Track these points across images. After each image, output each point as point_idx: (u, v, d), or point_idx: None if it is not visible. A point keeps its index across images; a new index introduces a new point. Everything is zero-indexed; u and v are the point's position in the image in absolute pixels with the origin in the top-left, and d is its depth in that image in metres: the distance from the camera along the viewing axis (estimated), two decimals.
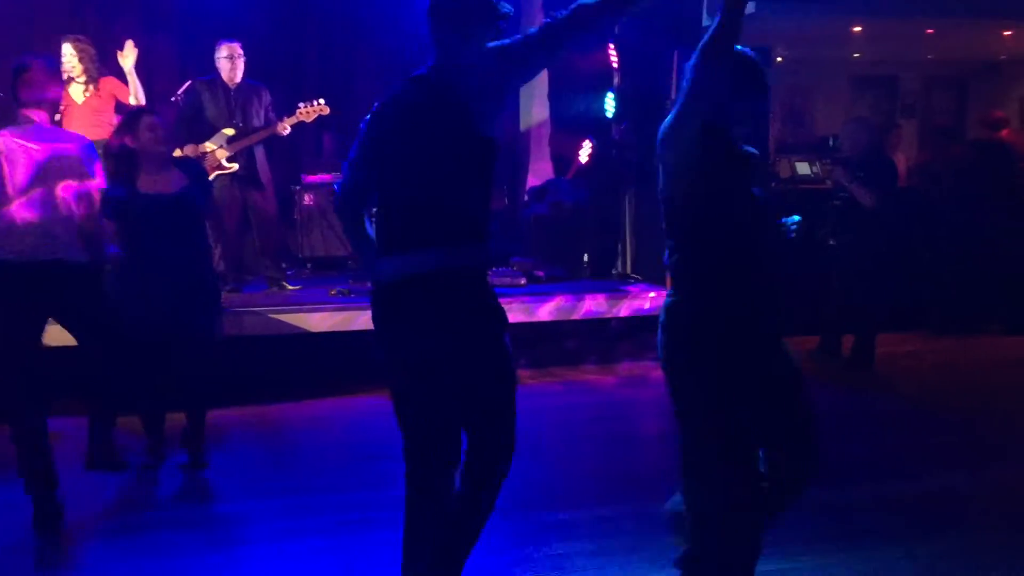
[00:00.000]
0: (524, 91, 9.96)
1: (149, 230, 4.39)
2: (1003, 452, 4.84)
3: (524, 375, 6.62)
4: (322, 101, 6.90)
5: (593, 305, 7.00)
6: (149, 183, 4.45)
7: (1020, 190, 7.88)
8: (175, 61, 8.59)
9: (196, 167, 4.93)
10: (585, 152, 8.76)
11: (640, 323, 7.08)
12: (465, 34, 2.72)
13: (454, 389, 2.74)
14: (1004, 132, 8.23)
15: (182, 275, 4.47)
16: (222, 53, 6.80)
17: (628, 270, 8.41)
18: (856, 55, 9.90)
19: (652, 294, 7.17)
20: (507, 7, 2.80)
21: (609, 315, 7.04)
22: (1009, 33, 8.93)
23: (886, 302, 6.81)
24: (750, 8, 7.18)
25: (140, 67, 6.56)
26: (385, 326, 2.76)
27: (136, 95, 6.47)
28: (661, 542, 3.63)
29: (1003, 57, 10.60)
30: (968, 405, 5.82)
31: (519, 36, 2.72)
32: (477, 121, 2.64)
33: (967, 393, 6.11)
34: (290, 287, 7.18)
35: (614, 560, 3.49)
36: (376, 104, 2.86)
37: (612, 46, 8.33)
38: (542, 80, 9.62)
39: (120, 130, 4.56)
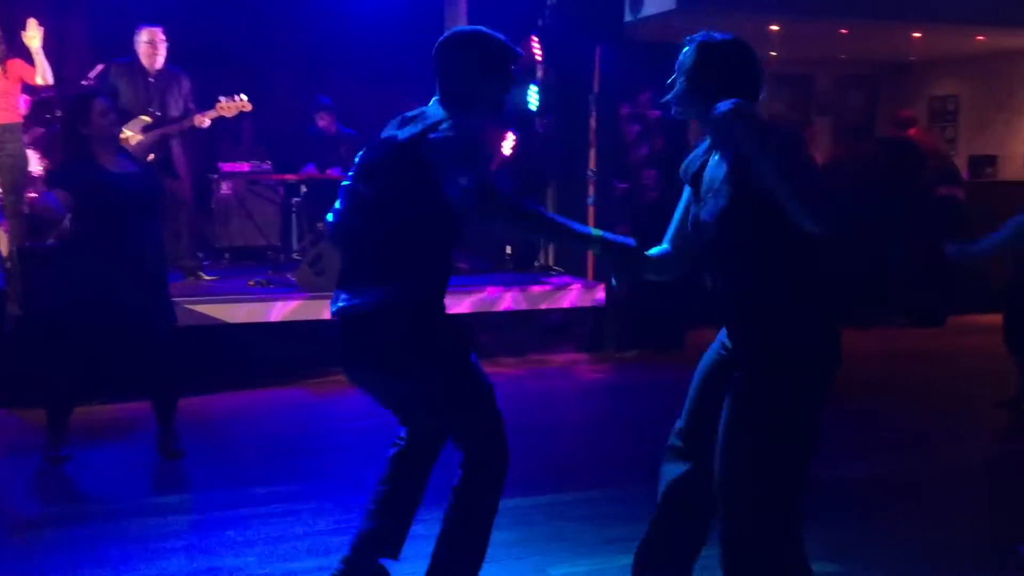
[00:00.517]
0: None
1: (119, 208, 4.31)
2: (904, 443, 5.02)
3: None
4: (244, 97, 6.75)
5: (516, 297, 7.04)
6: (109, 166, 4.38)
7: (926, 187, 8.17)
8: (87, 43, 8.34)
9: (135, 156, 4.92)
10: (508, 144, 8.77)
11: (563, 315, 7.16)
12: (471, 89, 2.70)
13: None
14: (912, 130, 8.52)
15: (146, 256, 4.42)
16: (143, 38, 6.62)
17: (550, 262, 8.47)
18: (773, 54, 10.13)
19: (574, 286, 7.25)
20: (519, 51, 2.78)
21: (531, 307, 7.08)
22: (918, 35, 9.25)
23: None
24: (669, 5, 7.32)
25: (51, 48, 6.36)
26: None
27: (44, 76, 6.27)
28: (579, 530, 3.71)
29: (913, 58, 10.98)
30: (872, 397, 6.03)
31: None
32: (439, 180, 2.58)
33: (871, 385, 6.32)
34: (207, 277, 7.05)
35: (533, 548, 3.53)
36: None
37: (535, 38, 8.36)
38: None
39: (69, 116, 4.47)
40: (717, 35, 2.52)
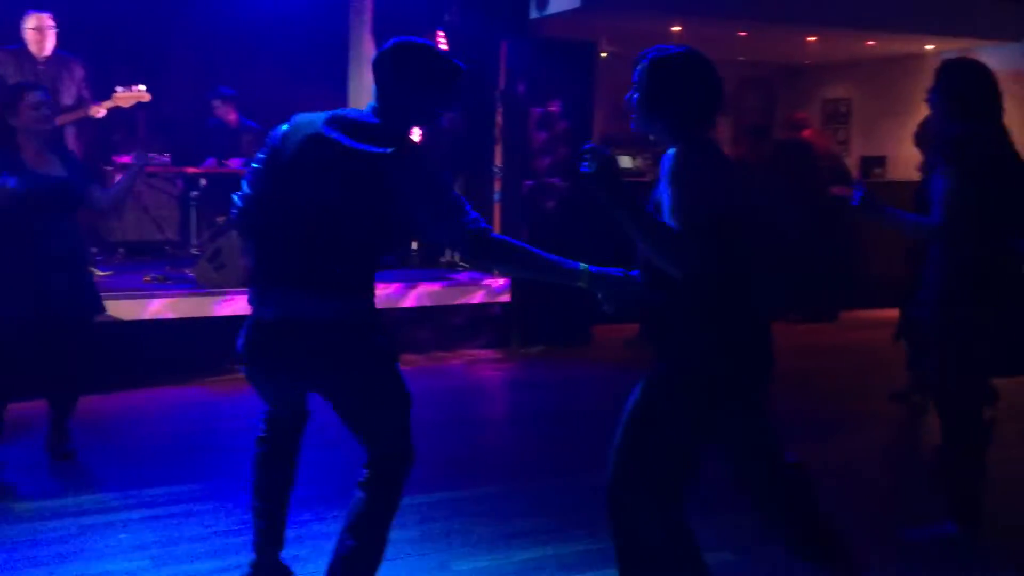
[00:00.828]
0: (353, 77, 9.83)
1: (36, 209, 4.20)
2: (801, 435, 5.17)
3: None
4: (143, 88, 6.55)
5: (420, 294, 7.02)
6: (32, 163, 4.26)
7: (820, 186, 8.44)
8: None
9: (67, 151, 4.78)
10: (414, 138, 8.73)
11: (469, 312, 7.17)
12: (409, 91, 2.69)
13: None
14: (806, 132, 8.79)
15: (65, 256, 4.34)
16: (29, 24, 6.38)
17: (456, 258, 8.46)
18: None
19: (481, 283, 7.26)
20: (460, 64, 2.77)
21: (436, 304, 7.07)
22: (812, 39, 9.55)
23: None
24: (574, 3, 7.39)
25: None
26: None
27: None
28: (480, 526, 3.72)
29: (807, 62, 11.32)
30: (780, 389, 6.20)
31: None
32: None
33: (779, 378, 6.51)
34: (100, 273, 6.81)
35: (437, 545, 3.53)
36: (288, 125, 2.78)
37: (441, 33, 8.33)
38: (369, 65, 9.52)
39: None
40: (671, 49, 2.53)
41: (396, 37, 2.77)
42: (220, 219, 7.74)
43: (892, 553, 3.49)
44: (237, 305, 6.41)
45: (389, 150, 2.60)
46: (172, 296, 6.25)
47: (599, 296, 2.68)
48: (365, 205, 2.61)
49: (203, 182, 7.90)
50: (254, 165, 2.83)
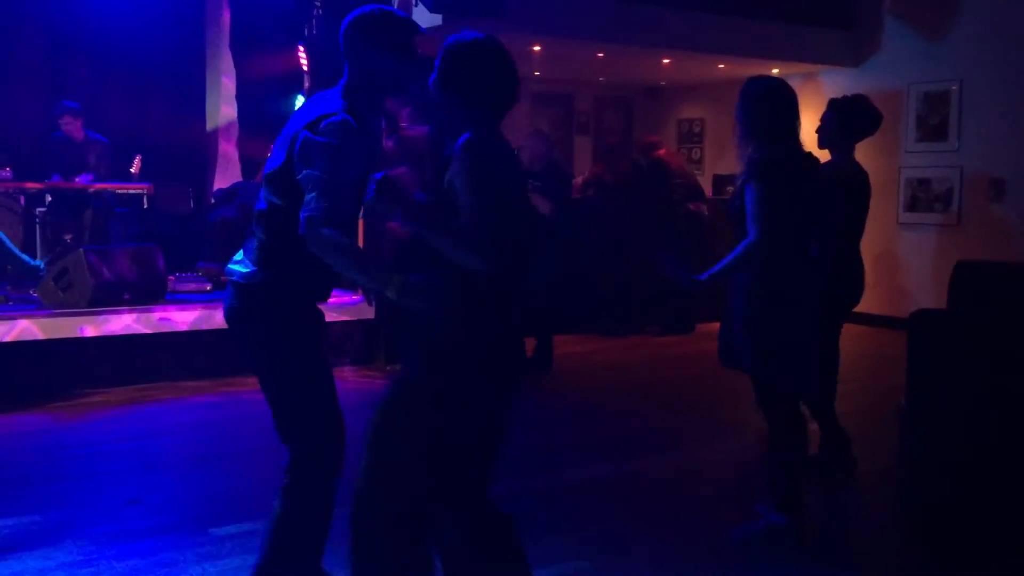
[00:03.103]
0: (211, 91, 9.59)
1: None
2: (658, 443, 5.32)
3: (204, 385, 6.36)
4: None
5: None
6: None
7: (675, 204, 8.73)
8: None
9: None
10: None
11: (333, 328, 7.04)
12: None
13: None
14: (660, 152, 9.05)
15: None
16: None
17: None
18: (536, 73, 10.49)
19: (345, 299, 7.16)
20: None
21: None
22: (667, 61, 9.89)
23: (562, 306, 7.27)
24: (436, 21, 7.41)
25: None
26: None
27: None
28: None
29: (663, 83, 11.72)
30: (631, 401, 6.36)
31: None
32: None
33: (631, 391, 6.67)
34: None
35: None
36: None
37: (302, 48, 8.23)
38: (229, 80, 9.30)
39: None
40: (468, 35, 2.55)
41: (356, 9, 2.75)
42: (67, 236, 7.38)
43: (731, 554, 3.61)
44: (88, 327, 6.12)
45: (309, 121, 2.59)
46: (14, 318, 5.90)
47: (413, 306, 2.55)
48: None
49: (48, 199, 7.52)
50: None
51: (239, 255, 2.81)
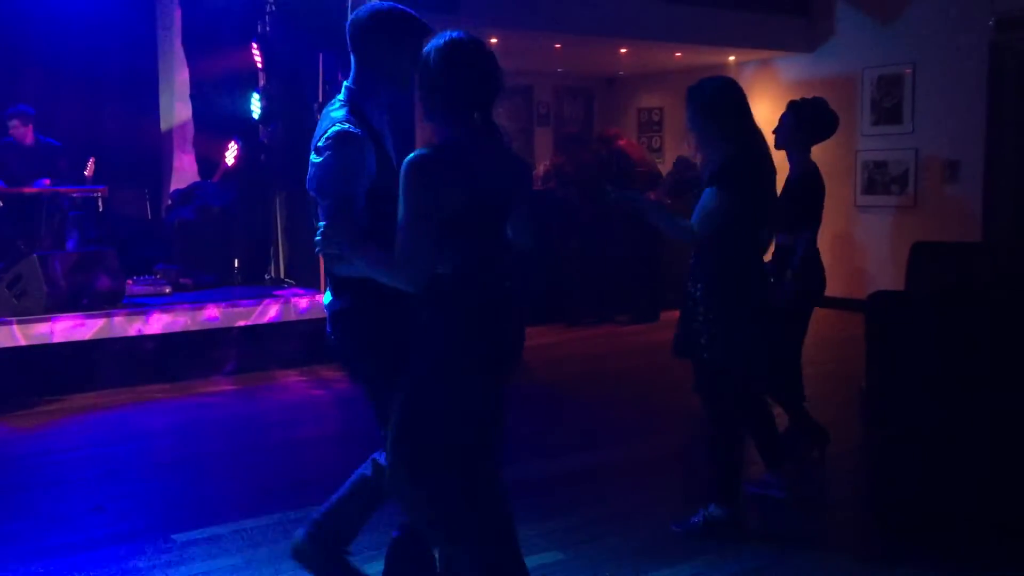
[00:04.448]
0: (164, 89, 9.45)
1: None
2: (628, 432, 5.34)
3: (165, 389, 6.28)
4: None
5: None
6: None
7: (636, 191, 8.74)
8: None
9: None
10: (231, 154, 8.47)
11: (296, 328, 6.99)
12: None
13: None
14: (621, 142, 9.07)
15: None
16: None
17: (282, 274, 8.26)
18: None
19: (307, 298, 7.10)
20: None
21: (259, 321, 6.86)
22: (625, 51, 9.91)
23: (529, 296, 7.27)
24: None
25: None
26: None
27: None
28: None
29: (622, 72, 11.74)
30: (602, 391, 6.38)
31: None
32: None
33: (601, 380, 6.69)
34: None
35: (262, 572, 3.39)
36: None
37: (256, 46, 8.13)
38: (182, 78, 9.18)
39: None
40: (445, 36, 2.52)
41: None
42: (21, 243, 7.24)
43: (705, 544, 3.63)
44: (44, 334, 6.02)
45: (322, 133, 2.62)
46: None
47: None
48: None
49: None
50: None
51: None
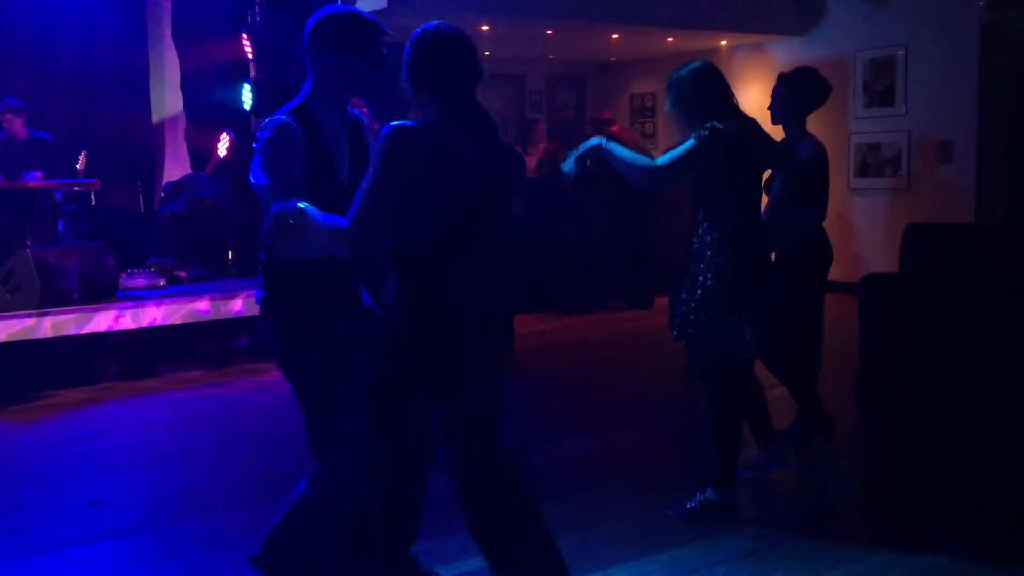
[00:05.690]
0: (155, 81, 9.42)
1: None
2: (621, 417, 5.34)
3: (160, 383, 6.28)
4: None
5: (242, 305, 6.77)
6: None
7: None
8: None
9: None
10: (224, 145, 8.45)
11: None
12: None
13: None
14: (614, 128, 9.05)
15: None
16: None
17: None
18: (487, 53, 10.42)
19: None
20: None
21: (255, 313, 6.84)
22: (616, 37, 9.88)
23: (521, 285, 7.27)
24: (381, 5, 7.34)
25: None
26: None
27: None
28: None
29: (614, 58, 11.71)
30: (597, 376, 6.38)
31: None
32: None
33: (597, 364, 6.69)
34: None
35: (232, 570, 3.37)
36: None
37: (246, 36, 8.09)
38: (173, 70, 9.14)
39: None
40: (431, 25, 2.59)
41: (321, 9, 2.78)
42: (13, 238, 7.21)
43: (699, 530, 3.63)
44: (39, 329, 6.01)
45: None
46: None
47: None
48: None
49: None
50: None
51: None
